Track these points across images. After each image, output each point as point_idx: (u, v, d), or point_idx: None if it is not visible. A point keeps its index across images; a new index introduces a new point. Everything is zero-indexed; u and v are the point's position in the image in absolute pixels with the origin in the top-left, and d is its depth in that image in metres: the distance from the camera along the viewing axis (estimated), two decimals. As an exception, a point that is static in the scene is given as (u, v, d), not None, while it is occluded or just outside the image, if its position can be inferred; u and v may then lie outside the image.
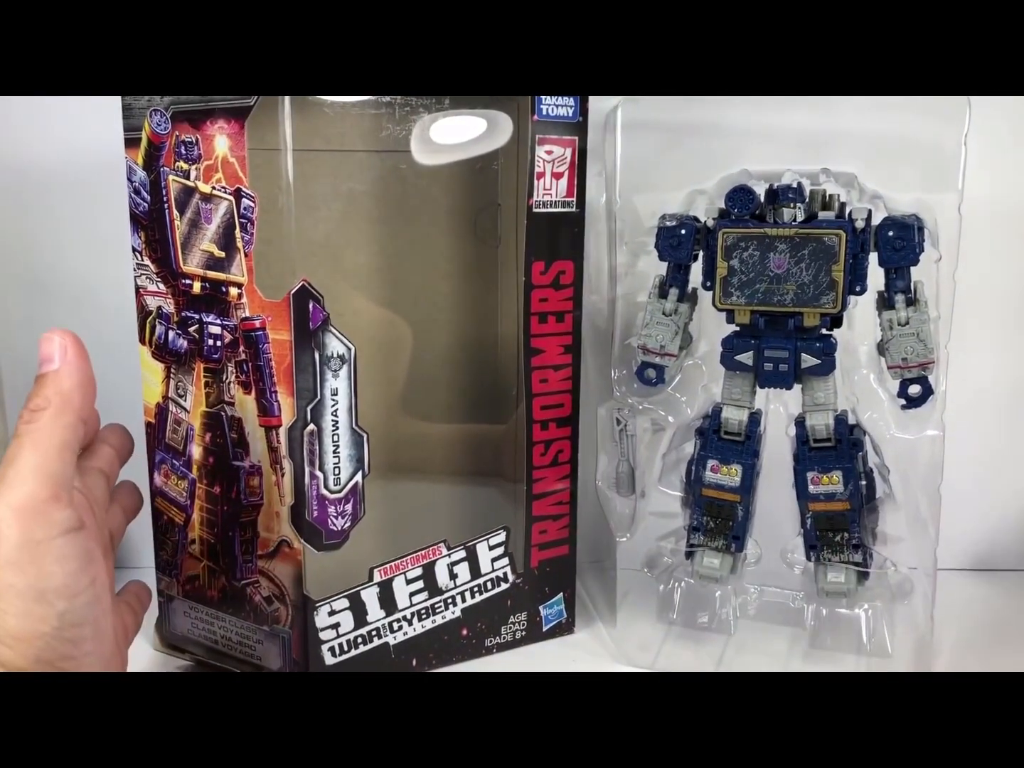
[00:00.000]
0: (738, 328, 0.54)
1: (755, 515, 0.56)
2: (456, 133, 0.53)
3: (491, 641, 0.59)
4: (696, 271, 0.55)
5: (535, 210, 0.55)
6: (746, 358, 0.53)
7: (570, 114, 0.55)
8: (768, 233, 0.51)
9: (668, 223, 0.54)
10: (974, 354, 0.63)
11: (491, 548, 0.58)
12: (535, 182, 0.55)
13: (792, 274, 0.51)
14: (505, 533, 0.58)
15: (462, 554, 0.57)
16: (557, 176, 0.55)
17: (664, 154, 0.57)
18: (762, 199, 0.52)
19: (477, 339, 0.56)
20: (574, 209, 0.57)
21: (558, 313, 0.57)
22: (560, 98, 0.55)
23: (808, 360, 0.52)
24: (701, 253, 0.54)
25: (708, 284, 0.54)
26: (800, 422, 0.54)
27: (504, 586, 0.59)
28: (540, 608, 0.60)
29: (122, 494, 0.52)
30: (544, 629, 0.61)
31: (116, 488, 0.52)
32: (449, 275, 0.54)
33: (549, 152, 0.55)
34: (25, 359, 0.72)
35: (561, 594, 0.61)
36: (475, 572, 0.58)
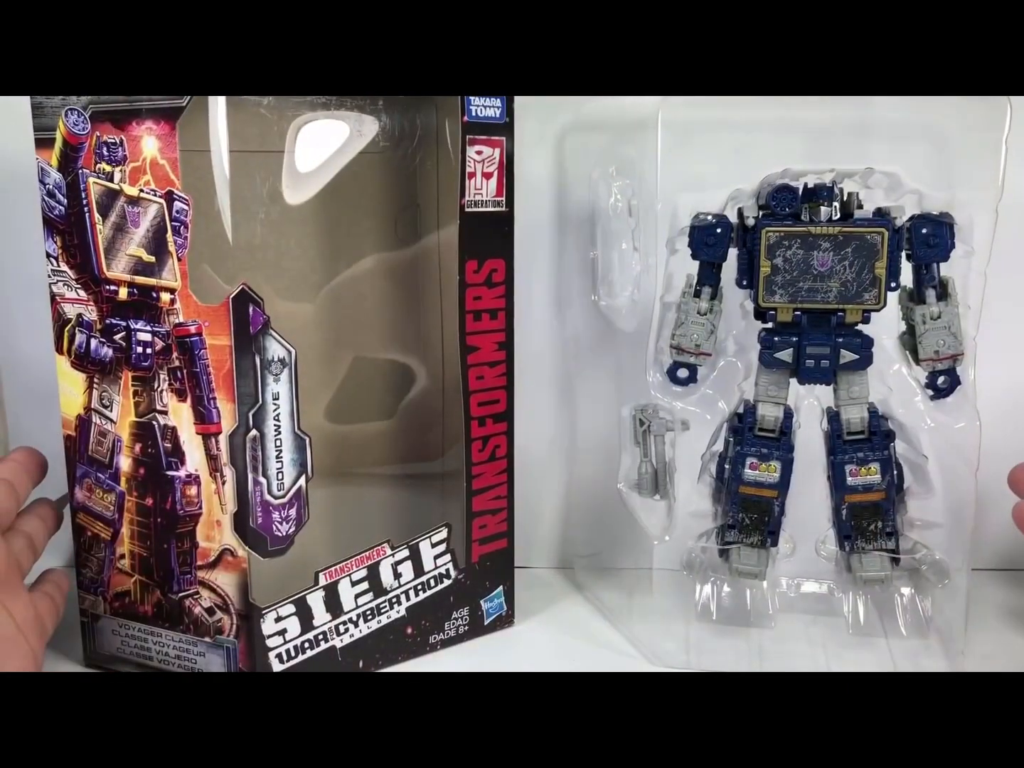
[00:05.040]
0: (772, 326, 0.54)
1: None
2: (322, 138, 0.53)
3: (435, 638, 0.59)
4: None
5: (467, 210, 0.56)
6: (786, 355, 0.54)
7: (497, 115, 0.56)
8: (812, 232, 0.52)
9: (703, 221, 0.54)
10: (1005, 348, 0.60)
11: (434, 545, 0.58)
12: (467, 182, 0.55)
13: (836, 272, 0.52)
14: (447, 530, 0.59)
15: (406, 553, 0.57)
16: (487, 176, 0.56)
17: (701, 154, 0.57)
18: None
19: (416, 338, 0.56)
20: (504, 208, 0.57)
21: (492, 311, 0.58)
22: (487, 99, 0.55)
23: (847, 356, 0.53)
24: (732, 252, 0.54)
25: (745, 282, 0.54)
26: (834, 416, 0.56)
27: (447, 582, 0.59)
28: (481, 602, 0.61)
29: (38, 505, 0.56)
30: (486, 623, 0.61)
31: (35, 501, 0.56)
32: (387, 276, 0.54)
33: (479, 153, 0.56)
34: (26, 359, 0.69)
35: (501, 587, 0.62)
36: (419, 570, 0.58)
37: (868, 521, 0.56)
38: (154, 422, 0.53)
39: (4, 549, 0.49)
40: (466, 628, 0.60)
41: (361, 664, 0.56)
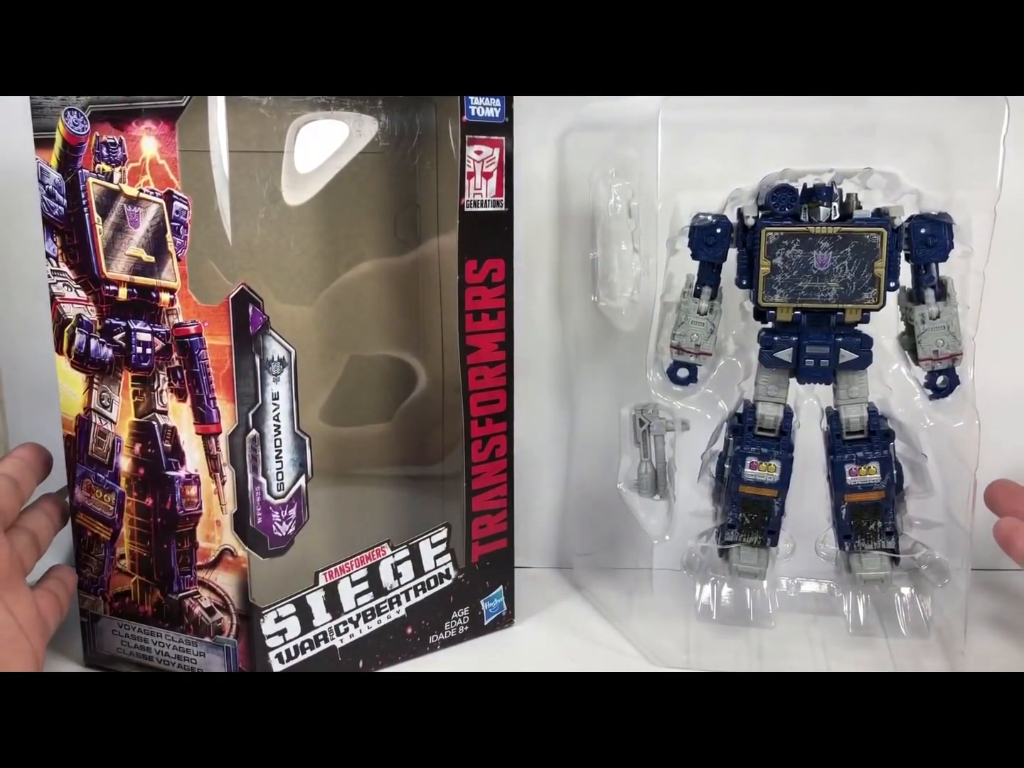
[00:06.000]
0: (771, 326, 0.55)
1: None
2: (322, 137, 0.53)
3: (435, 638, 0.59)
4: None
5: (467, 210, 0.56)
6: (786, 355, 0.54)
7: (496, 115, 0.56)
8: (811, 231, 0.52)
9: (703, 222, 0.54)
10: (1004, 348, 0.60)
11: (434, 545, 0.58)
12: (466, 182, 0.55)
13: (835, 271, 0.52)
14: (447, 530, 0.59)
15: (406, 553, 0.57)
16: (487, 176, 0.56)
17: (701, 154, 0.57)
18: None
19: (415, 338, 0.56)
20: (503, 208, 0.57)
21: (491, 311, 0.58)
22: (487, 99, 0.55)
23: (847, 355, 0.53)
24: (732, 252, 0.54)
25: (744, 282, 0.54)
26: (833, 415, 0.56)
27: (447, 582, 0.59)
28: (481, 602, 0.61)
29: (43, 501, 0.56)
30: (486, 623, 0.61)
31: (41, 497, 0.56)
32: (387, 275, 0.54)
33: (479, 152, 0.56)
34: (26, 359, 0.69)
35: (501, 587, 0.62)
36: (419, 570, 0.58)
37: (868, 521, 0.56)
38: (154, 422, 0.53)
39: (6, 547, 0.49)
40: (466, 628, 0.60)
41: (361, 664, 0.56)
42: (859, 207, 0.53)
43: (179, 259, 0.49)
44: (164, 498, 0.53)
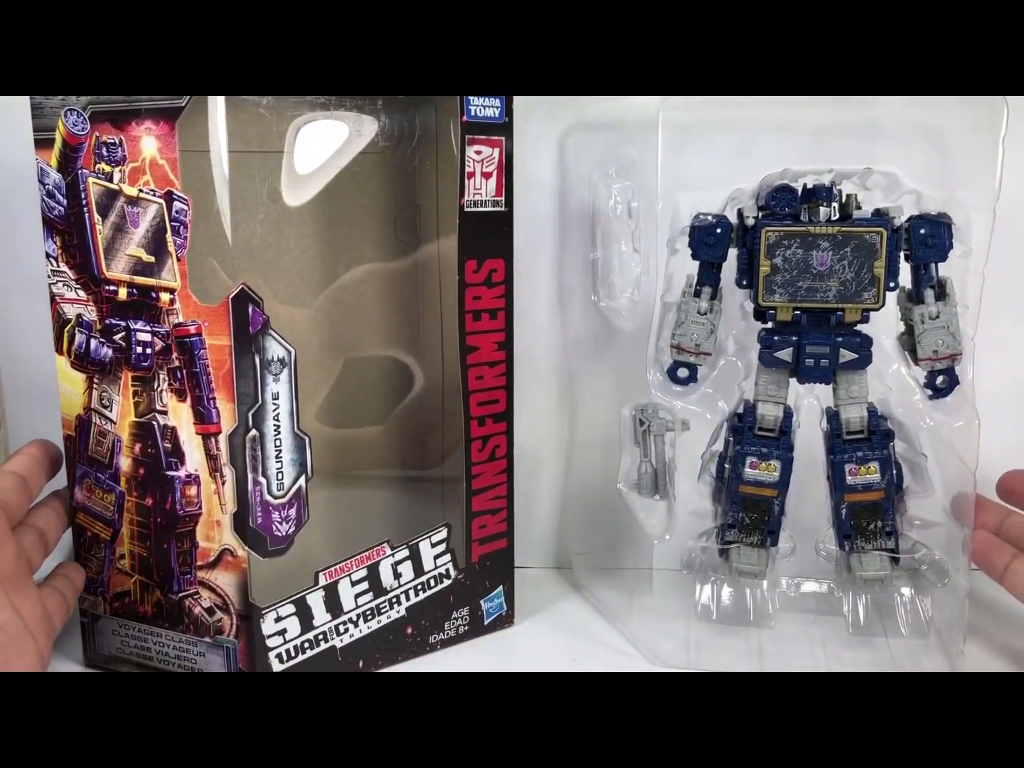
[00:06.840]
0: (771, 325, 0.55)
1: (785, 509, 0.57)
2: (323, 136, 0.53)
3: (435, 638, 0.59)
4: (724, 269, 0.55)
5: (467, 210, 0.56)
6: (786, 355, 0.54)
7: (496, 115, 0.56)
8: (811, 231, 0.52)
9: (703, 222, 0.55)
10: (1004, 347, 0.60)
11: (433, 545, 0.58)
12: (466, 182, 0.55)
13: (835, 271, 0.52)
14: (447, 530, 0.59)
15: (405, 553, 0.57)
16: (486, 176, 0.56)
17: (701, 154, 0.57)
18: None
19: (415, 339, 0.56)
20: (503, 208, 0.57)
21: (491, 311, 0.58)
22: (486, 99, 0.55)
23: (846, 355, 0.54)
24: (732, 252, 0.55)
25: (745, 282, 0.54)
26: (833, 415, 0.56)
27: (447, 582, 0.59)
28: (481, 602, 0.61)
29: (52, 498, 0.56)
30: (486, 623, 0.61)
31: (50, 495, 0.56)
32: (387, 275, 0.55)
33: (479, 152, 0.56)
34: (26, 359, 0.69)
35: (501, 587, 0.62)
36: (418, 570, 0.58)
37: (868, 520, 0.56)
38: (154, 422, 0.53)
39: (13, 546, 0.49)
40: (466, 628, 0.61)
41: (361, 664, 0.56)
42: (859, 207, 0.53)
43: (179, 259, 0.49)
44: (164, 498, 0.53)
